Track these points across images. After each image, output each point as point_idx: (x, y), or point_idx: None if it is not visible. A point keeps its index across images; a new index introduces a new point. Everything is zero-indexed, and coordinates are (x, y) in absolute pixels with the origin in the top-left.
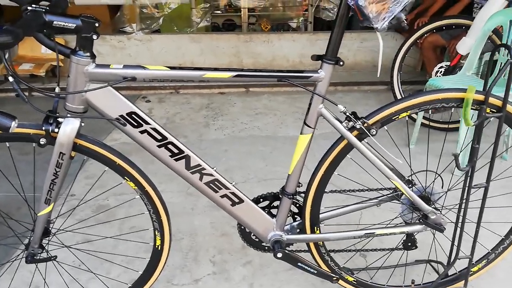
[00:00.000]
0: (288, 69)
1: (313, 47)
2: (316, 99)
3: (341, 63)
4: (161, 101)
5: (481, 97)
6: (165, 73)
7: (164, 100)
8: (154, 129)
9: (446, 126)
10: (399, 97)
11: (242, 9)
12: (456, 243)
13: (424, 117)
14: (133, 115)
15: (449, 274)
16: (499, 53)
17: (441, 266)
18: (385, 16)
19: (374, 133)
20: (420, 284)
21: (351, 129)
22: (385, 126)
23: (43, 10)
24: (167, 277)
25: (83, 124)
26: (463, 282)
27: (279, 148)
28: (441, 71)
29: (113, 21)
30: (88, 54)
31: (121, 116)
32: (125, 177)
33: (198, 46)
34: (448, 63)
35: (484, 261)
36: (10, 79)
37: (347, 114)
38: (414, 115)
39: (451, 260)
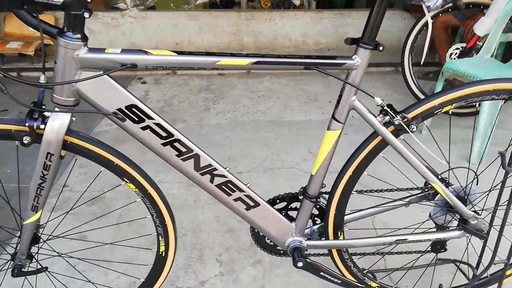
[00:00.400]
0: (291, 49)
1: (316, 26)
2: (349, 90)
3: (381, 48)
4: (157, 82)
5: None
6: (171, 58)
7: (160, 82)
8: (158, 125)
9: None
10: (409, 79)
11: None
12: (491, 246)
13: None
14: (133, 109)
15: (477, 275)
16: None
17: (470, 268)
18: None
19: (414, 129)
20: None
21: (387, 124)
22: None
23: None
24: (170, 278)
25: (74, 118)
26: (495, 286)
27: (284, 134)
28: (456, 53)
29: None
30: (78, 35)
31: (119, 110)
32: (125, 179)
33: (196, 24)
34: (464, 45)
35: None
36: None
37: (384, 107)
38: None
39: (483, 263)
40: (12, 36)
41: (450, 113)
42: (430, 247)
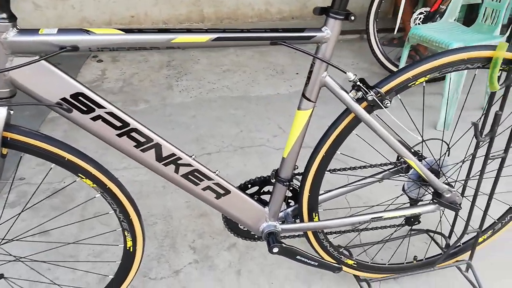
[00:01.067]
0: (254, 19)
1: None
2: (319, 65)
3: (352, 17)
4: (114, 60)
5: (511, 55)
6: (118, 38)
7: (118, 59)
8: (111, 114)
9: None
10: (375, 47)
11: None
12: (463, 216)
13: None
14: (80, 97)
15: (451, 245)
16: None
17: (443, 238)
18: None
19: (387, 104)
20: (422, 259)
21: (359, 100)
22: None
23: None
24: (142, 270)
25: (12, 111)
26: (468, 254)
27: (252, 110)
28: (420, 18)
29: None
30: (4, 15)
31: (64, 99)
32: (79, 174)
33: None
34: (428, 9)
35: (490, 231)
36: None
37: (357, 83)
38: (392, 67)
39: (455, 232)
40: None
41: (424, 84)
42: (404, 221)
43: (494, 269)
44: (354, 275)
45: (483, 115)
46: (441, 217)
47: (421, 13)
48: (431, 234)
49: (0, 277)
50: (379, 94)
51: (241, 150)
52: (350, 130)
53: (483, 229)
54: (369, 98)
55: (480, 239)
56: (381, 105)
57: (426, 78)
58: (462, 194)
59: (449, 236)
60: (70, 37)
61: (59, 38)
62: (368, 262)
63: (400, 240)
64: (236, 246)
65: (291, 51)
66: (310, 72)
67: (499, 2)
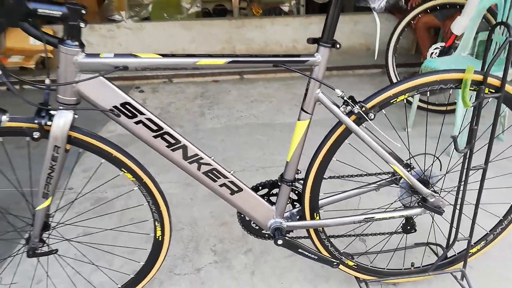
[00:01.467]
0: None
1: (306, 31)
2: (313, 84)
3: (338, 45)
4: (154, 90)
5: (479, 77)
6: (157, 61)
7: (157, 90)
8: (149, 119)
9: (443, 108)
10: (394, 80)
11: None
12: (454, 225)
13: (420, 100)
14: (127, 106)
15: (448, 256)
16: (494, 33)
17: (440, 249)
18: None
19: (372, 117)
20: (419, 267)
21: (349, 114)
22: (383, 110)
23: None
24: (169, 267)
25: (76, 116)
26: (462, 263)
27: (276, 136)
28: (436, 52)
29: (101, 9)
30: (76, 43)
31: (115, 107)
32: (122, 169)
33: (189, 33)
34: (443, 44)
35: (483, 242)
36: None
37: (345, 98)
38: (410, 98)
39: (450, 242)
40: (12, 50)
41: (405, 101)
42: (401, 228)
43: (490, 279)
44: (355, 277)
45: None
46: (432, 225)
47: (436, 48)
48: (431, 246)
49: (55, 251)
50: (364, 108)
51: (263, 170)
52: (343, 140)
53: (476, 240)
54: (355, 111)
55: (474, 250)
56: (366, 117)
57: (406, 96)
58: (455, 205)
59: (446, 247)
60: (122, 59)
61: (114, 60)
62: (368, 265)
63: (400, 247)
64: (252, 251)
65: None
66: (307, 90)
67: None
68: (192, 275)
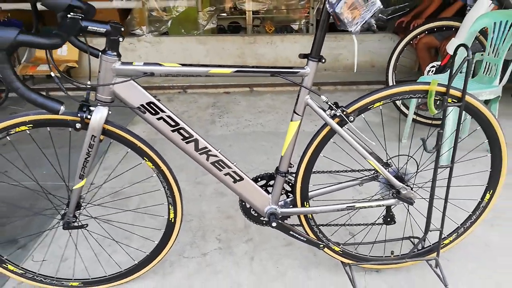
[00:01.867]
0: None
1: None
2: (303, 91)
3: (323, 60)
4: (170, 100)
5: (443, 89)
6: (177, 69)
7: (172, 99)
8: (169, 116)
9: (429, 121)
10: None
11: (246, 11)
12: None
13: (415, 113)
14: (151, 104)
15: (425, 247)
16: (482, 54)
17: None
18: (358, 21)
19: (352, 120)
20: (398, 255)
21: (333, 117)
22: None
23: (80, 17)
24: (178, 251)
25: (110, 112)
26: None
27: (280, 143)
28: (432, 70)
29: (124, 23)
30: (115, 53)
31: (142, 105)
32: (144, 158)
33: (204, 47)
34: (439, 63)
35: (455, 234)
36: (52, 74)
37: (329, 103)
38: (405, 110)
39: (428, 238)
40: (41, 60)
41: (381, 108)
42: (382, 220)
43: (462, 270)
44: (341, 261)
45: (432, 133)
46: (408, 216)
47: (433, 66)
48: (412, 239)
49: (86, 226)
50: (345, 112)
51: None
52: (328, 139)
53: (448, 233)
54: (337, 114)
55: (447, 241)
56: (347, 120)
57: (381, 103)
58: (431, 201)
59: (423, 239)
60: (150, 67)
61: (143, 67)
62: (352, 252)
63: (389, 239)
64: (252, 240)
65: (319, 99)
66: (298, 96)
67: (497, 57)
68: (198, 258)
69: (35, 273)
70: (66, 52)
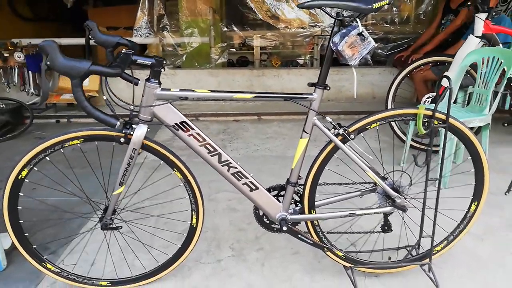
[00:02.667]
0: None
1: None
2: (311, 113)
3: (328, 88)
4: None
5: (429, 112)
6: (207, 94)
7: None
8: (198, 133)
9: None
10: (393, 124)
11: (255, 47)
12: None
13: (413, 140)
14: (184, 123)
15: (419, 253)
16: (473, 86)
17: (415, 250)
18: (356, 57)
19: (353, 137)
20: (395, 261)
21: (337, 135)
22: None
23: (131, 52)
24: (195, 258)
25: (148, 129)
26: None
27: (287, 165)
28: (428, 101)
29: None
30: (157, 81)
31: (176, 124)
32: (174, 169)
33: (215, 79)
34: (435, 94)
35: (445, 242)
36: (104, 97)
37: (333, 124)
38: (403, 137)
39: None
40: (64, 89)
41: (377, 128)
42: (380, 228)
43: (452, 275)
44: (343, 265)
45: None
46: (402, 223)
47: (429, 97)
48: (408, 248)
49: (120, 228)
50: (347, 131)
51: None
52: (332, 154)
53: (440, 240)
54: (340, 132)
55: (439, 248)
56: (348, 137)
57: (377, 125)
58: (423, 212)
59: (418, 247)
60: (184, 93)
61: (179, 93)
62: (353, 257)
63: (388, 248)
64: (263, 249)
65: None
66: (307, 117)
67: (486, 89)
68: (214, 264)
69: (69, 272)
70: (87, 82)
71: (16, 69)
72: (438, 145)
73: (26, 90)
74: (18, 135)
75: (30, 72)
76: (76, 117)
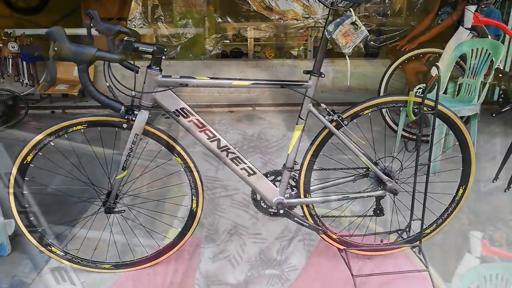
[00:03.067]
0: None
1: None
2: (307, 100)
3: (323, 75)
4: None
5: (419, 99)
6: (206, 81)
7: None
8: (197, 119)
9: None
10: (385, 115)
11: (248, 39)
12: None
13: (404, 130)
14: (184, 110)
15: (409, 236)
16: (463, 78)
17: (406, 233)
18: (350, 45)
19: (346, 123)
20: (387, 243)
21: (331, 121)
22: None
23: (133, 40)
24: (196, 242)
25: (149, 115)
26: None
27: (281, 155)
28: (418, 92)
29: None
30: (158, 68)
31: (176, 110)
32: (175, 154)
33: (210, 70)
34: (425, 85)
35: (434, 225)
36: (107, 84)
37: (328, 110)
38: (395, 127)
39: (413, 229)
40: (60, 80)
41: (369, 115)
42: (372, 212)
43: (441, 257)
44: (337, 248)
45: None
46: (393, 205)
47: (420, 87)
48: (399, 232)
49: (123, 211)
50: (341, 117)
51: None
52: (327, 140)
53: (429, 224)
54: (334, 118)
55: (428, 230)
56: (342, 123)
57: (370, 111)
58: (413, 197)
59: (408, 230)
60: (184, 80)
61: (179, 80)
62: (347, 239)
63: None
64: (261, 235)
65: (315, 118)
66: (302, 104)
67: (475, 79)
68: (213, 248)
69: (74, 255)
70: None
71: (10, 59)
72: (428, 135)
73: (21, 80)
74: (13, 126)
75: (24, 63)
76: (72, 107)
